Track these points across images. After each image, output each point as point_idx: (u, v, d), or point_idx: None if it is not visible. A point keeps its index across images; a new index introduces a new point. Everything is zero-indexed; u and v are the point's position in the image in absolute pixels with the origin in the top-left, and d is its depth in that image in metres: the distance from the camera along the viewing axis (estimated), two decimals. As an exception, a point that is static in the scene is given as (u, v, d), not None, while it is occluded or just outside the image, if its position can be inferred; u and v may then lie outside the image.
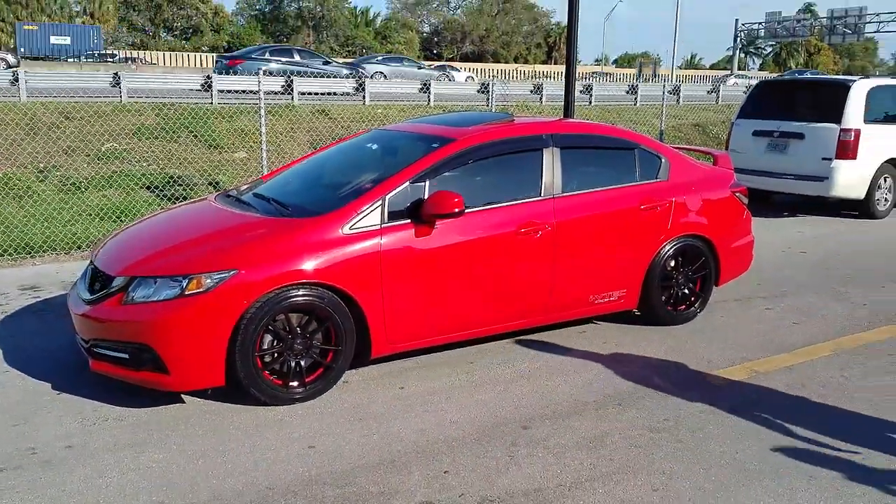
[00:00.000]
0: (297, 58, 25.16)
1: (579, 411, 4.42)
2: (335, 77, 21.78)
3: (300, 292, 4.36)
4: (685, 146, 7.68)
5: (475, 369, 5.03)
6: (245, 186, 5.76)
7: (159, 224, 5.24)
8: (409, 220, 4.69)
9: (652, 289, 5.73)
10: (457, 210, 4.64)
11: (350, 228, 4.53)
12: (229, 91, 17.98)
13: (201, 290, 4.19)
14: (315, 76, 19.80)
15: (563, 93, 10.21)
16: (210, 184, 11.94)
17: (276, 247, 4.39)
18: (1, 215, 9.27)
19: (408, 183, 4.76)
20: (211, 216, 5.08)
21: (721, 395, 4.68)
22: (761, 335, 5.78)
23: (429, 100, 19.85)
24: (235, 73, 19.45)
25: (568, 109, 9.73)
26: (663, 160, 5.87)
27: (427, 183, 4.81)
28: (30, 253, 8.07)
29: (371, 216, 4.60)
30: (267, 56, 24.41)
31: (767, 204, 11.75)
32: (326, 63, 25.53)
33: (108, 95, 16.81)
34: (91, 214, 9.66)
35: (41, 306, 6.31)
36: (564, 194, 5.27)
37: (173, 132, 13.92)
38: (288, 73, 19.10)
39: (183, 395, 4.54)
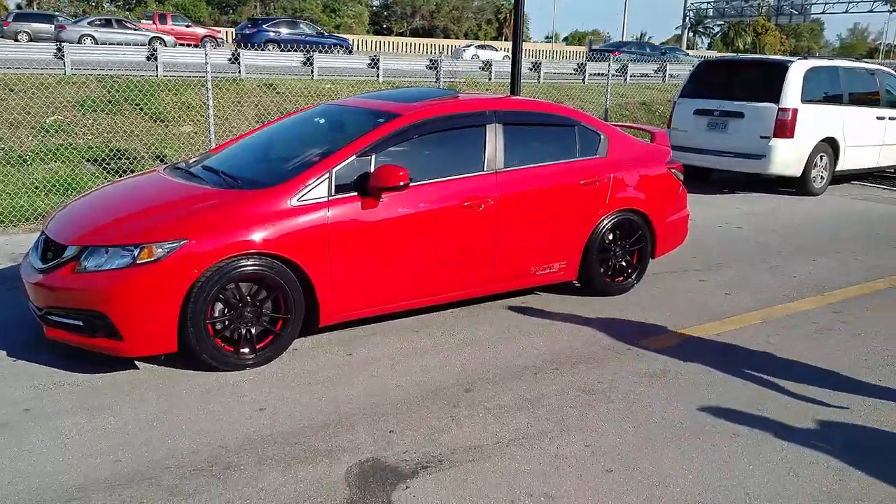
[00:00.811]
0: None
1: (518, 375, 4.66)
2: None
3: (249, 262, 4.50)
4: (625, 123, 7.94)
5: (421, 337, 5.23)
6: (194, 159, 5.85)
7: (110, 195, 5.31)
8: (355, 193, 4.85)
9: (591, 261, 5.99)
10: (401, 183, 4.81)
11: (298, 200, 4.68)
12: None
13: (152, 259, 4.31)
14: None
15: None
16: (156, 157, 11.90)
17: (226, 217, 4.52)
18: (-55, 189, 9.18)
19: (354, 157, 4.92)
20: (161, 187, 5.17)
21: (653, 360, 4.96)
22: (694, 305, 6.09)
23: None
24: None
25: (515, 87, 9.93)
26: (602, 137, 6.11)
27: (373, 157, 4.97)
28: (-26, 225, 8.03)
29: (318, 188, 4.75)
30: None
31: (707, 181, 12.16)
32: None
33: (53, 67, 16.51)
34: (37, 187, 9.59)
35: (-11, 276, 6.33)
36: (507, 169, 5.48)
37: (118, 105, 13.78)
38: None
39: (137, 362, 4.66)
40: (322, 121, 5.99)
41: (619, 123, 7.04)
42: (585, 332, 5.42)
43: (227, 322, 4.57)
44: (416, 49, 49.20)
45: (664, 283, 6.66)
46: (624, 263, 6.25)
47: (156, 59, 17.72)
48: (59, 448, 3.69)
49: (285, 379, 4.54)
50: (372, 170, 4.91)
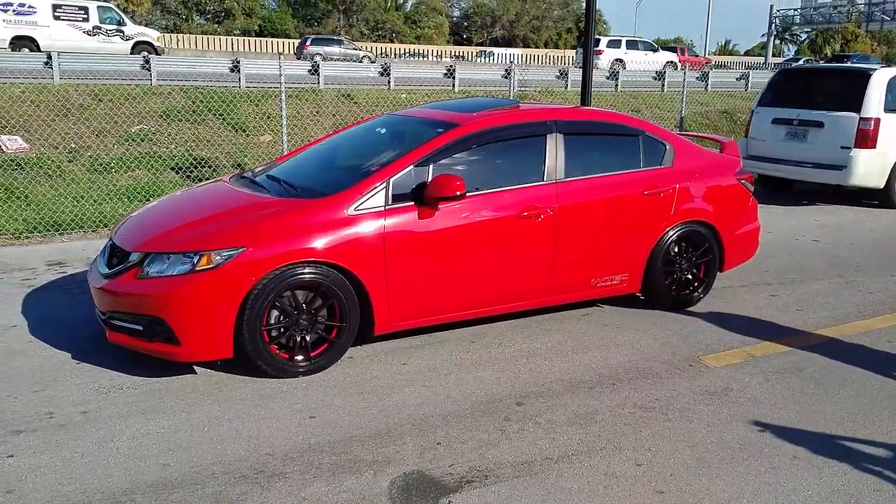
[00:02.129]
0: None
1: (573, 390, 4.56)
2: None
3: (306, 270, 4.54)
4: (694, 133, 7.76)
5: (476, 348, 5.19)
6: (259, 168, 5.95)
7: (175, 203, 5.45)
8: (412, 203, 4.85)
9: (655, 273, 5.84)
10: (458, 193, 4.79)
11: (355, 209, 4.70)
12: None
13: (211, 266, 4.39)
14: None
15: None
16: (235, 165, 12.17)
17: (284, 226, 4.58)
18: (33, 194, 9.59)
19: (412, 166, 4.92)
20: (224, 196, 5.28)
21: (715, 377, 4.79)
22: (762, 321, 5.87)
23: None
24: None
25: (585, 96, 9.80)
26: (668, 147, 5.96)
27: (431, 167, 4.96)
28: (58, 230, 8.35)
29: (375, 198, 4.76)
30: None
31: (788, 192, 11.76)
32: None
33: (139, 79, 17.11)
34: (119, 194, 9.93)
35: (66, 281, 6.57)
36: (567, 179, 5.39)
37: (200, 115, 14.18)
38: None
39: (195, 367, 4.74)
40: (383, 130, 6.03)
41: (687, 133, 6.88)
42: (646, 347, 5.28)
43: (282, 329, 4.61)
44: (498, 58, 49.16)
45: (733, 297, 6.45)
46: (690, 276, 6.07)
47: (238, 70, 18.16)
48: (110, 451, 3.77)
49: (338, 387, 4.55)
50: (429, 179, 4.90)
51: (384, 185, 4.81)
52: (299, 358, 4.66)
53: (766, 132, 11.43)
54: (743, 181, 6.32)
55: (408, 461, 3.71)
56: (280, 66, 9.36)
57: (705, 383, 4.69)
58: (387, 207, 4.78)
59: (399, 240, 4.79)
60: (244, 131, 14.47)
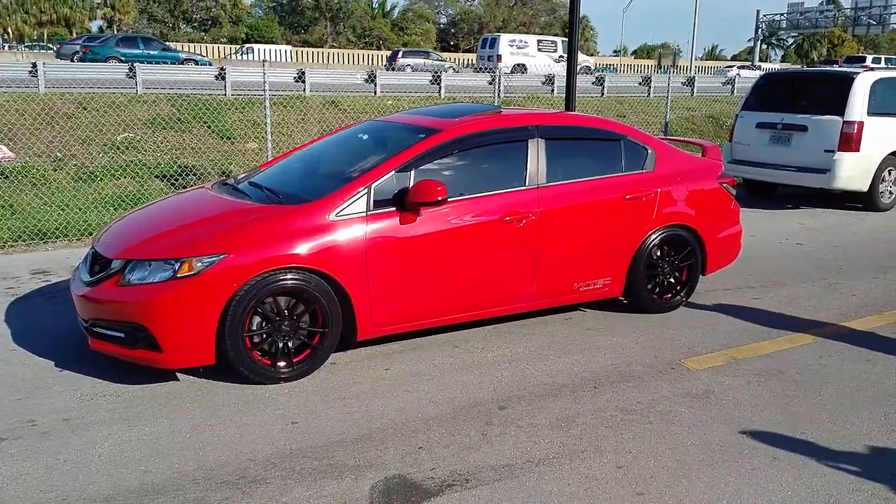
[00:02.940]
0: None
1: (555, 393, 4.58)
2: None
3: (287, 276, 4.54)
4: (676, 138, 7.78)
5: (458, 353, 5.20)
6: (242, 175, 5.96)
7: (157, 210, 5.45)
8: (394, 208, 4.87)
9: (637, 277, 5.87)
10: (440, 198, 4.81)
11: (336, 215, 4.71)
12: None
13: (192, 272, 4.39)
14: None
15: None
16: (221, 173, 12.16)
17: (265, 232, 4.58)
18: (18, 203, 9.55)
19: (393, 172, 4.93)
20: (206, 203, 5.27)
21: (696, 380, 4.82)
22: (745, 324, 5.91)
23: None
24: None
25: (570, 101, 9.84)
26: (649, 151, 5.99)
27: (412, 172, 4.98)
28: (43, 239, 8.32)
29: (357, 203, 4.78)
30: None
31: (772, 196, 11.84)
32: None
33: (124, 87, 17.09)
34: (105, 203, 9.90)
35: (50, 290, 6.54)
36: (549, 184, 5.42)
37: (186, 123, 14.16)
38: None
39: (178, 374, 4.74)
40: (365, 136, 6.04)
41: (670, 137, 6.91)
42: (628, 351, 5.31)
43: (264, 335, 4.61)
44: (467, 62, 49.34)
45: (716, 300, 6.48)
46: (672, 280, 6.10)
47: (224, 78, 18.18)
48: (92, 458, 3.77)
49: (320, 393, 4.55)
50: (411, 185, 4.92)
51: (366, 190, 4.82)
52: (282, 364, 4.66)
53: (750, 136, 11.50)
54: (725, 185, 6.36)
55: (389, 466, 3.72)
56: (264, 74, 9.34)
57: (687, 386, 4.72)
58: (368, 213, 4.80)
59: (381, 245, 4.80)
60: (230, 139, 14.47)
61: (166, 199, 5.85)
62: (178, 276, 4.39)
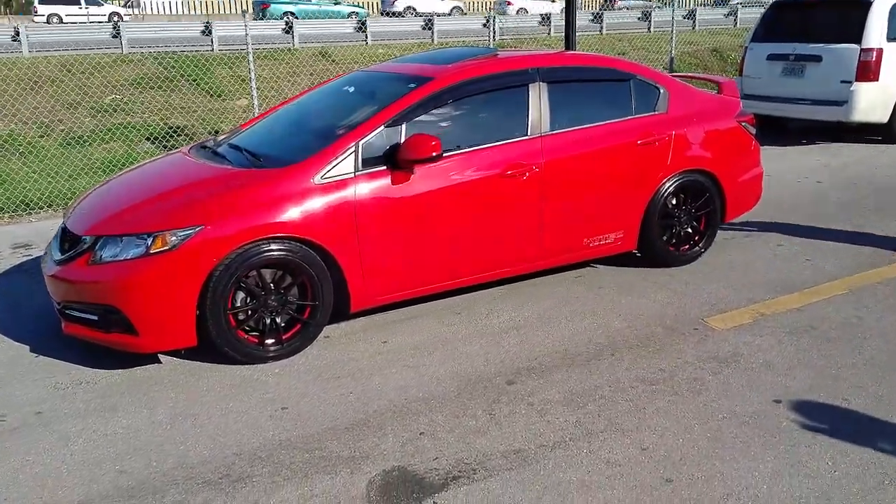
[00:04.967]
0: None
1: (568, 364, 4.19)
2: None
3: (271, 247, 4.14)
4: (689, 74, 7.29)
5: (462, 321, 4.81)
6: (222, 137, 5.52)
7: (131, 180, 5.02)
8: (384, 167, 4.44)
9: (652, 229, 5.44)
10: (434, 154, 4.37)
11: (322, 178, 4.29)
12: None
13: (166, 247, 4.00)
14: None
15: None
16: (213, 132, 11.71)
17: (244, 200, 4.17)
18: (3, 172, 9.15)
19: (382, 127, 4.49)
20: (181, 170, 4.85)
21: (722, 341, 4.43)
22: (770, 274, 5.49)
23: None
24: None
25: (570, 40, 9.30)
26: (662, 91, 5.52)
27: (403, 126, 4.54)
28: (28, 210, 7.95)
29: (344, 164, 4.35)
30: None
31: (784, 132, 11.31)
32: None
33: (109, 47, 16.52)
34: (94, 168, 9.50)
35: (30, 265, 6.17)
36: (553, 132, 4.97)
37: (174, 81, 13.66)
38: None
39: (160, 356, 4.38)
40: (351, 89, 5.56)
41: (682, 74, 6.43)
42: (646, 311, 4.91)
43: (249, 312, 4.24)
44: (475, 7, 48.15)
45: (737, 249, 6.06)
46: (690, 230, 5.67)
47: (210, 32, 17.57)
48: (64, 457, 3.42)
49: (313, 372, 4.18)
50: (402, 140, 4.48)
51: (353, 149, 4.39)
52: (270, 342, 4.29)
53: (761, 69, 10.95)
54: (744, 123, 5.88)
55: (388, 456, 3.36)
56: (245, 26, 8.82)
57: (713, 349, 4.33)
58: (357, 173, 4.37)
59: (372, 208, 4.38)
60: (219, 96, 13.95)
61: (140, 166, 5.41)
62: (152, 251, 4.00)
